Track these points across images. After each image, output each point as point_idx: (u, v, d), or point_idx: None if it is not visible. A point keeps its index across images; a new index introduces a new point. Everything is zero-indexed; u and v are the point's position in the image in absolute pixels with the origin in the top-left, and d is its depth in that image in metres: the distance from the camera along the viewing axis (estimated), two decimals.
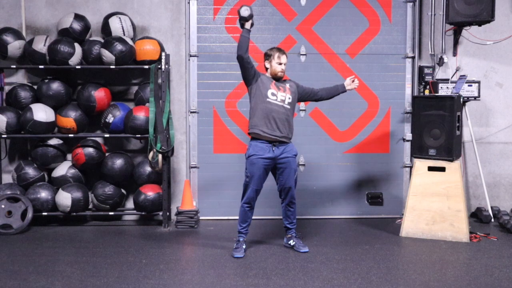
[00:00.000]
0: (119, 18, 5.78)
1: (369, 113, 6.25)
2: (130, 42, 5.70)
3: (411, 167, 6.08)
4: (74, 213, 5.68)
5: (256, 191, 4.77)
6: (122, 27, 5.76)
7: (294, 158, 4.83)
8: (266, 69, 4.86)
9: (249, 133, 4.84)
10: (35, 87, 5.85)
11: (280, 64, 4.78)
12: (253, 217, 4.93)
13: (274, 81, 4.80)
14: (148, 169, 5.81)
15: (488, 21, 5.61)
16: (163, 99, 5.70)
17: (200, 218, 6.04)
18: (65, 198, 5.60)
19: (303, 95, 4.97)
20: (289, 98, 4.80)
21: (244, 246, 4.81)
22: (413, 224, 5.34)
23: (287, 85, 4.86)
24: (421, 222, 5.31)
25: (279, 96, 4.75)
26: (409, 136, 6.17)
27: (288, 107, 4.78)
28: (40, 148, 5.74)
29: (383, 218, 6.22)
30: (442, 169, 5.27)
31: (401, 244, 5.15)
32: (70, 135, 5.73)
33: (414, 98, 5.74)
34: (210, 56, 6.15)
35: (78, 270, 4.34)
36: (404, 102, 6.26)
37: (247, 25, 4.65)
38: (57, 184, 5.78)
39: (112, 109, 5.76)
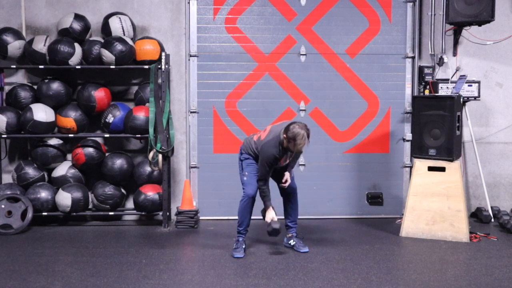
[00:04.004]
0: (119, 18, 5.78)
1: (369, 113, 6.25)
2: (130, 42, 5.70)
3: (411, 167, 6.08)
4: (74, 213, 5.68)
5: (257, 180, 4.76)
6: (122, 27, 5.76)
7: None
8: (284, 136, 4.53)
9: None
10: (35, 87, 5.85)
11: (294, 150, 4.56)
12: (253, 217, 4.93)
13: (285, 156, 4.68)
14: (148, 169, 5.81)
15: (488, 21, 5.61)
16: (163, 99, 5.69)
17: (200, 218, 6.04)
18: (65, 198, 5.60)
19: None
20: (289, 159, 4.78)
21: (244, 246, 4.80)
22: (413, 224, 5.34)
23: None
24: (421, 222, 5.31)
25: (284, 163, 4.77)
26: (409, 136, 6.17)
27: (286, 163, 4.80)
28: (40, 148, 5.74)
29: (383, 218, 6.22)
30: (442, 169, 5.27)
31: (401, 244, 5.15)
32: (70, 135, 5.73)
33: (414, 98, 5.74)
34: (210, 56, 6.15)
35: (78, 270, 4.34)
36: (404, 102, 6.26)
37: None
38: (57, 184, 5.78)
39: (112, 109, 5.76)
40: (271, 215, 4.71)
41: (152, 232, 5.59)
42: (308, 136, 4.45)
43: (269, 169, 4.65)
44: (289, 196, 4.90)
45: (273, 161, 4.60)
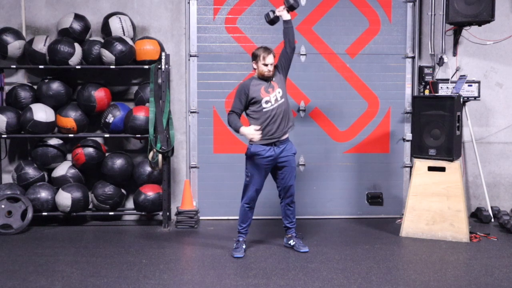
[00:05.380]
0: (119, 18, 5.78)
1: (369, 113, 6.25)
2: (130, 42, 5.70)
3: (411, 167, 6.08)
4: (74, 213, 5.68)
5: (256, 190, 4.76)
6: (122, 27, 5.76)
7: (293, 157, 4.83)
8: (254, 69, 4.79)
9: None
10: (35, 87, 5.85)
11: (266, 65, 4.68)
12: (253, 217, 4.93)
13: (263, 86, 4.71)
14: (148, 169, 5.81)
15: (488, 21, 5.61)
16: (163, 99, 5.70)
17: (200, 218, 6.04)
18: (65, 198, 5.60)
19: (285, 62, 4.87)
20: (279, 92, 4.74)
21: (244, 246, 4.81)
22: (413, 224, 5.34)
23: (273, 80, 4.78)
24: (421, 222, 5.31)
25: (272, 99, 4.70)
26: (409, 136, 6.17)
27: (283, 100, 4.75)
28: (40, 148, 5.74)
29: (383, 218, 6.22)
30: (442, 169, 5.27)
31: (401, 244, 5.15)
32: (70, 135, 5.73)
33: (414, 98, 5.75)
34: (210, 56, 6.15)
35: (78, 270, 4.34)
36: (404, 102, 6.26)
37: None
38: (57, 184, 5.78)
39: (112, 109, 5.76)
40: (247, 130, 4.61)
41: (152, 232, 5.59)
42: (268, 48, 4.74)
43: (240, 101, 4.73)
44: (287, 197, 4.89)
45: (241, 90, 4.72)
